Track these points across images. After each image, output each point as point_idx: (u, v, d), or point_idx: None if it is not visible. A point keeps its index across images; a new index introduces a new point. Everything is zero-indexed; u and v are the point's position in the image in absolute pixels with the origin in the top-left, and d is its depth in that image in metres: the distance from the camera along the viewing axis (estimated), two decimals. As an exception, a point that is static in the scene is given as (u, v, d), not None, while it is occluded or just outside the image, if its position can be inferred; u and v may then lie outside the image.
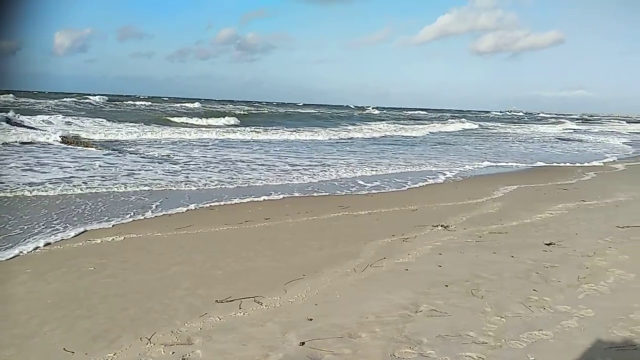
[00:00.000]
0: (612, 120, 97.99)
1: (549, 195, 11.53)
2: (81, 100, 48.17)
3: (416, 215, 9.05)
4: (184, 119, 35.73)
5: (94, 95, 58.17)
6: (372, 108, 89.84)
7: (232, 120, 37.12)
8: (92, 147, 17.18)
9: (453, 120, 56.23)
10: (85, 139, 19.75)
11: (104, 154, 15.75)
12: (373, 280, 5.56)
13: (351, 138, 29.73)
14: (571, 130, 52.79)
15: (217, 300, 4.85)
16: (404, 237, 7.42)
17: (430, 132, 38.44)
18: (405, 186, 12.62)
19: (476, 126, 50.71)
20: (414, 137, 33.21)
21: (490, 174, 15.96)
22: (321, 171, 14.36)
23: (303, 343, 3.93)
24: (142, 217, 8.25)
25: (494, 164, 18.46)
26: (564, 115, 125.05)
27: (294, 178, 12.95)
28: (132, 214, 8.37)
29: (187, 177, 12.25)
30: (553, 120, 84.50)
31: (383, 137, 31.77)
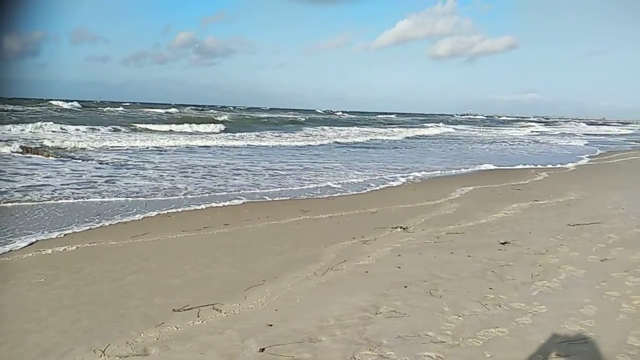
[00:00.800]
0: (569, 122, 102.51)
1: (504, 195, 11.86)
2: (48, 107, 46.34)
3: (376, 218, 9.13)
4: (167, 126, 33.87)
5: (56, 100, 55.94)
6: (341, 113, 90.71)
7: (218, 127, 36.35)
8: (52, 156, 16.46)
9: (429, 125, 57.76)
10: (48, 147, 18.80)
11: (65, 163, 15.18)
12: (333, 283, 5.56)
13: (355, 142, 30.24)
14: (537, 132, 54.83)
15: (174, 309, 4.73)
16: (364, 239, 7.46)
17: (416, 135, 39.95)
18: (366, 189, 12.72)
19: (452, 130, 51.79)
20: (396, 140, 33.87)
21: (447, 175, 16.27)
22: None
23: (263, 349, 3.88)
24: (97, 226, 7.98)
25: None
26: (520, 117, 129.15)
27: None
28: (85, 222, 8.08)
29: (151, 184, 11.95)
30: (519, 122, 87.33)
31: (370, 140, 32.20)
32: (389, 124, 59.63)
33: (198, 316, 4.58)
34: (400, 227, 8.22)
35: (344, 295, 5.12)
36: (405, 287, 5.38)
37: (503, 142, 36.40)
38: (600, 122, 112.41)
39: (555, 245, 7.15)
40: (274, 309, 4.79)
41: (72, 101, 56.07)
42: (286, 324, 4.41)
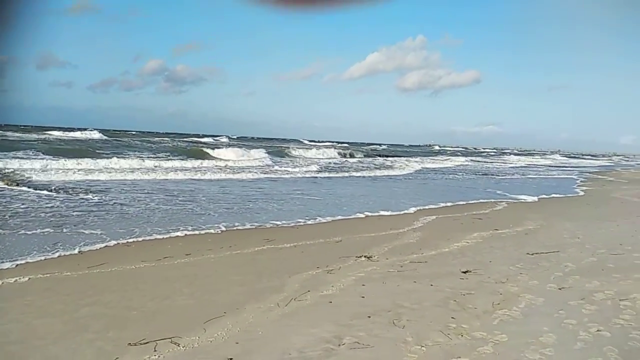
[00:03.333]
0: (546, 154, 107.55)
1: (465, 224, 12.07)
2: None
3: (341, 247, 9.11)
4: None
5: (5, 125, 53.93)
6: (309, 141, 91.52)
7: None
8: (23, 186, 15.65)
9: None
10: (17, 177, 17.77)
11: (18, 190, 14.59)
12: (297, 314, 5.47)
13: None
14: (523, 164, 56.92)
15: (129, 343, 4.55)
16: (329, 268, 7.42)
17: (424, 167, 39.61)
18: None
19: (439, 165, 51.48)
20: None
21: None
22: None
23: (222, 384, 3.76)
24: (52, 256, 7.65)
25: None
26: (478, 148, 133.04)
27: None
28: (39, 253, 7.74)
29: (109, 213, 11.60)
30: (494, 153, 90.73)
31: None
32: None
33: (155, 350, 4.42)
34: (365, 256, 8.22)
35: (307, 327, 5.04)
36: (369, 317, 5.35)
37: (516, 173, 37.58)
38: (573, 155, 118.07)
39: (515, 273, 7.28)
40: (235, 341, 4.66)
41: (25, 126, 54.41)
42: (247, 357, 4.30)
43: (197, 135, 75.49)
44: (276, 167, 29.66)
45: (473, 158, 64.56)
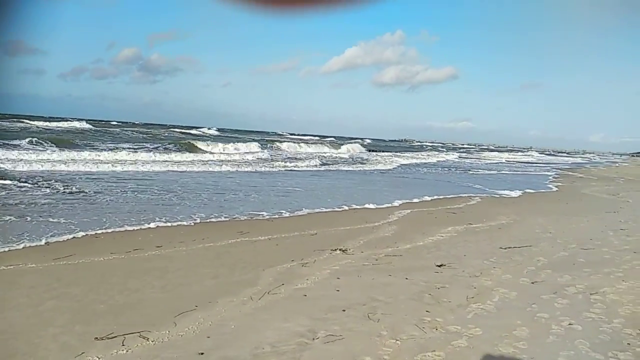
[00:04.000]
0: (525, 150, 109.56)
1: (440, 218, 12.13)
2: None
3: (316, 240, 9.04)
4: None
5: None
6: (289, 134, 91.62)
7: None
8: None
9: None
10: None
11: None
12: (270, 308, 5.38)
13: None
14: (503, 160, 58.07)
15: (96, 338, 4.39)
16: (303, 262, 7.33)
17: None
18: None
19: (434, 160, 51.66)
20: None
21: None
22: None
23: (192, 380, 3.65)
24: (16, 247, 7.37)
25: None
26: (452, 144, 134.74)
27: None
28: (3, 244, 7.45)
29: (84, 205, 11.28)
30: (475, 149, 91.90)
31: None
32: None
33: (123, 345, 4.27)
34: (340, 250, 8.17)
35: (280, 320, 4.95)
36: (344, 310, 5.29)
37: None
38: (547, 152, 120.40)
39: (489, 267, 7.32)
40: (206, 335, 4.55)
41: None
42: (219, 351, 4.19)
43: (176, 127, 74.52)
44: (279, 162, 29.54)
45: (460, 154, 65.49)
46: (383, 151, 55.20)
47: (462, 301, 5.69)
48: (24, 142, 26.32)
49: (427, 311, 5.33)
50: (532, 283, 6.54)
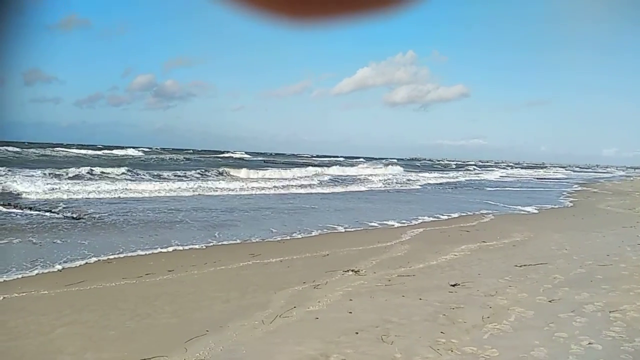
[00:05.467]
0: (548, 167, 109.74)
1: (453, 237, 11.99)
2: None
3: (327, 261, 8.96)
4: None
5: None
6: (312, 157, 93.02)
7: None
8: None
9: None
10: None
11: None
12: (282, 331, 5.31)
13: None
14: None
15: (107, 365, 4.35)
16: (315, 283, 7.26)
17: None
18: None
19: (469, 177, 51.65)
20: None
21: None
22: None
23: (202, 407, 3.58)
24: (29, 274, 7.39)
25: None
26: (463, 162, 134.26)
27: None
28: (17, 270, 7.48)
29: (89, 228, 11.34)
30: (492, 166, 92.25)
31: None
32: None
33: (133, 372, 4.22)
34: (352, 270, 8.08)
35: (292, 344, 4.88)
36: (357, 333, 5.20)
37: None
38: (568, 167, 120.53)
39: (504, 286, 7.18)
40: (217, 361, 4.48)
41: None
42: (230, 377, 4.12)
43: (190, 151, 75.93)
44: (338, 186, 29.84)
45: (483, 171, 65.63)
46: (421, 172, 55.32)
47: (478, 321, 5.57)
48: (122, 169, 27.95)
49: (441, 332, 5.22)
50: (550, 301, 6.39)
